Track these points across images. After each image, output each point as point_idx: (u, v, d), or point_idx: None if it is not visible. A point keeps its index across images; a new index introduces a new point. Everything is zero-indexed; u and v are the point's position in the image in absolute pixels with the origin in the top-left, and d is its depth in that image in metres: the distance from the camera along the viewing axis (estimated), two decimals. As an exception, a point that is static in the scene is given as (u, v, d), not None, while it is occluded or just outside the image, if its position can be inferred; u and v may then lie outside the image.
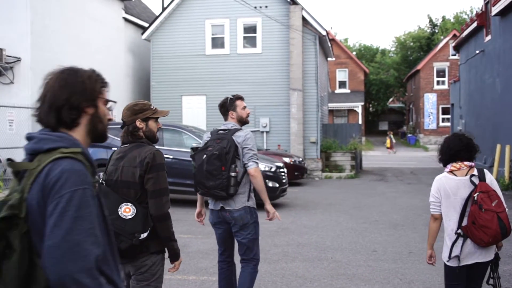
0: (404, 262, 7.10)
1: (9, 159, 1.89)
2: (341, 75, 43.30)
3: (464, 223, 4.00)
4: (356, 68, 43.65)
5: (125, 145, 3.53)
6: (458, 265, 4.06)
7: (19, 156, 1.92)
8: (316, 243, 8.22)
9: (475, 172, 4.07)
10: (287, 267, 6.83)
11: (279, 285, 6.06)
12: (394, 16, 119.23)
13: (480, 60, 20.15)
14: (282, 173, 11.79)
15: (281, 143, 18.47)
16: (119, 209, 3.27)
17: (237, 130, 4.66)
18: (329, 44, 21.62)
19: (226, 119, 4.81)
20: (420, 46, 52.34)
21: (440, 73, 40.53)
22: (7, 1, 14.32)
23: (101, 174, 3.49)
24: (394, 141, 37.75)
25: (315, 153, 18.98)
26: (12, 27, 14.25)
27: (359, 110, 40.85)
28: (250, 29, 19.07)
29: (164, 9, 19.64)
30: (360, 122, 38.51)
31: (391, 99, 57.92)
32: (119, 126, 3.75)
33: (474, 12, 27.03)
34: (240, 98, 4.84)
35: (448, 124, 35.32)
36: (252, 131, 18.00)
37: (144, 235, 3.29)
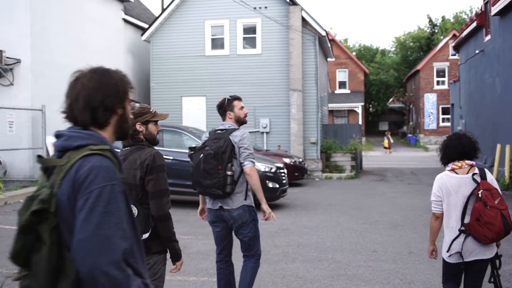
0: (405, 263, 7.11)
1: (39, 156, 1.95)
2: (341, 75, 43.32)
3: (466, 220, 4.06)
4: (356, 69, 43.67)
5: (126, 148, 3.60)
6: (457, 262, 4.13)
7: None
8: (316, 244, 8.22)
9: (476, 171, 4.14)
10: (288, 267, 6.83)
11: (279, 286, 6.06)
12: (394, 16, 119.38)
13: (480, 60, 20.16)
14: (282, 174, 11.79)
15: (281, 144, 18.47)
16: None
17: (234, 130, 4.75)
18: (329, 45, 21.63)
19: (224, 120, 4.90)
20: (420, 46, 52.36)
21: (440, 73, 40.55)
22: (6, 3, 14.32)
23: None
24: (392, 141, 37.79)
25: (315, 153, 18.98)
26: (12, 28, 14.26)
27: (359, 110, 40.87)
28: (250, 30, 19.08)
29: (163, 10, 19.64)
30: (360, 122, 38.53)
31: (391, 99, 57.94)
32: None
33: (474, 12, 27.04)
34: (238, 98, 4.93)
35: (448, 124, 35.33)
36: (252, 132, 18.10)
37: (145, 236, 3.34)
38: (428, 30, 54.47)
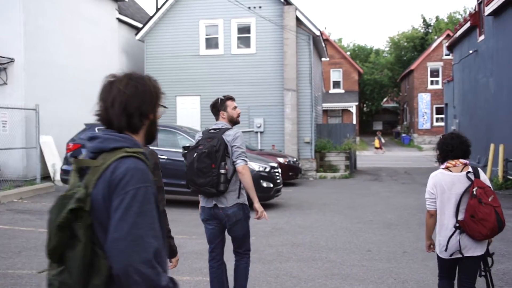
0: (398, 262, 7.13)
1: (74, 156, 2.00)
2: (335, 75, 43.38)
3: (460, 217, 4.15)
4: (350, 68, 43.74)
5: None
6: (450, 257, 4.23)
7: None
8: (310, 243, 8.23)
9: (470, 169, 4.24)
10: (282, 267, 6.84)
11: (273, 285, 6.06)
12: (388, 16, 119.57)
13: (473, 60, 20.24)
14: (277, 173, 11.79)
15: (275, 143, 18.48)
16: None
17: (227, 129, 4.82)
18: (323, 44, 21.65)
19: (217, 119, 4.97)
20: (414, 46, 52.48)
21: (434, 73, 40.68)
22: (0, 2, 14.26)
23: None
24: (383, 141, 37.88)
25: (309, 153, 19.00)
26: (5, 27, 14.20)
27: (353, 110, 40.93)
28: (244, 30, 19.07)
29: (158, 9, 19.60)
30: (354, 122, 38.60)
31: (385, 99, 58.04)
32: None
33: (468, 12, 27.14)
34: (231, 98, 5.00)
35: (442, 123, 35.45)
36: (246, 132, 18.07)
37: None
38: (422, 30, 54.60)
